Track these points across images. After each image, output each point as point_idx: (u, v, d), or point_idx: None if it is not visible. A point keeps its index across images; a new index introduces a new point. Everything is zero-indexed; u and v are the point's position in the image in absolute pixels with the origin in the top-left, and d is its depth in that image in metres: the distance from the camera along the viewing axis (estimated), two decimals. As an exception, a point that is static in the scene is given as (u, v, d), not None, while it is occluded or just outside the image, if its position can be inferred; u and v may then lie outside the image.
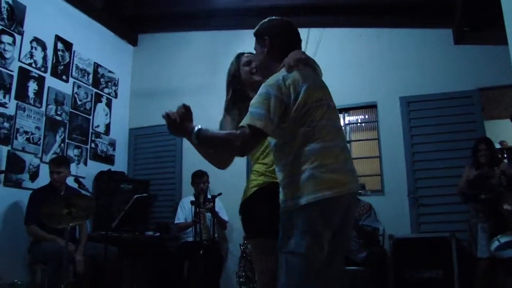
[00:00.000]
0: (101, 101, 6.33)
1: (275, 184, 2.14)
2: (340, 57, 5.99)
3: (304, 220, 1.94)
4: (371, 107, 5.87)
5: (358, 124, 6.17)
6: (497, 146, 6.91)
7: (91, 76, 6.15)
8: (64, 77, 5.65)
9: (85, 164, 5.87)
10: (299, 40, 2.48)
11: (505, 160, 6.28)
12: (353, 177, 2.07)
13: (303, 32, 6.27)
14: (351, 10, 5.88)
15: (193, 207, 4.97)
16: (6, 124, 4.77)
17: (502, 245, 4.03)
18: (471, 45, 5.45)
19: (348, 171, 2.05)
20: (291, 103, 2.07)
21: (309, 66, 2.34)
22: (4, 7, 4.87)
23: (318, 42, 6.00)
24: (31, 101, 5.11)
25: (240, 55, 2.73)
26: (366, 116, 6.07)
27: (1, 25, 4.82)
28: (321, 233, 1.94)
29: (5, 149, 4.73)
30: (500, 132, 7.89)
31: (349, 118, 6.03)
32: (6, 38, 4.86)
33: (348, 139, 5.90)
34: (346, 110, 5.97)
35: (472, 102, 5.32)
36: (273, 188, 2.16)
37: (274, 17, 2.51)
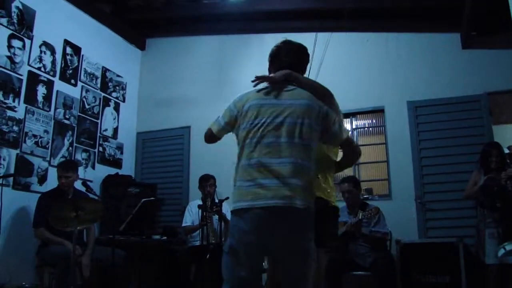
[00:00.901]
0: (109, 105, 6.36)
1: None
2: (348, 61, 5.99)
3: (230, 224, 2.31)
4: (378, 112, 5.85)
5: (366, 128, 6.15)
6: (506, 151, 6.85)
7: (99, 80, 6.19)
8: (72, 81, 5.69)
9: (93, 167, 5.90)
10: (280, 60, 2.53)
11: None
12: (275, 192, 2.13)
13: (310, 36, 6.31)
14: (359, 15, 5.88)
15: (200, 210, 4.97)
16: (15, 128, 4.81)
17: (508, 253, 4.00)
18: (479, 49, 5.42)
19: (268, 186, 2.15)
20: (236, 118, 2.36)
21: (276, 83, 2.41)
22: (14, 12, 4.92)
23: (326, 47, 6.00)
24: (40, 105, 5.16)
25: None
26: (374, 121, 6.05)
27: (11, 29, 4.87)
28: (235, 237, 2.20)
29: (14, 152, 4.77)
30: (508, 137, 7.83)
31: (356, 123, 6.02)
32: (16, 43, 4.91)
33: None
34: (354, 114, 5.96)
35: (480, 106, 5.29)
36: None
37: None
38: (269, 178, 2.16)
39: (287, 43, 2.57)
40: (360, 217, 4.44)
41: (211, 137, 2.51)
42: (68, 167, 4.62)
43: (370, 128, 6.16)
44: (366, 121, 6.13)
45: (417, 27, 5.80)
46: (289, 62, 2.48)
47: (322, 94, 2.42)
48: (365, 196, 5.36)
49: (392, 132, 5.63)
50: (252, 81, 2.43)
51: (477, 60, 5.40)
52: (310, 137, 2.26)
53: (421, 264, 4.46)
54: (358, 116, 6.02)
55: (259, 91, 2.39)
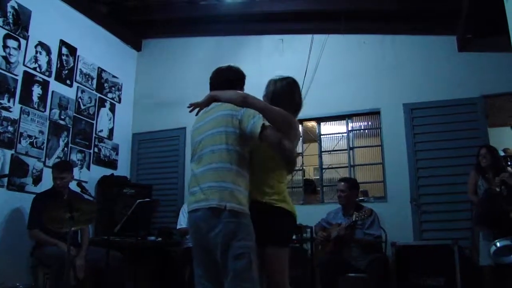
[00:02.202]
0: (104, 106, 6.34)
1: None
2: (344, 63, 5.99)
3: None
4: (374, 114, 5.86)
5: (362, 130, 6.16)
6: (501, 153, 6.88)
7: (95, 81, 6.17)
8: (68, 81, 5.68)
9: (88, 168, 5.88)
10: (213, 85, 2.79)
11: (509, 168, 6.26)
12: (195, 198, 2.46)
13: (307, 38, 6.32)
14: (355, 17, 5.89)
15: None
16: (10, 128, 4.78)
17: (500, 249, 4.00)
18: (476, 52, 5.44)
19: (192, 195, 2.51)
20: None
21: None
22: (10, 12, 4.90)
23: (322, 49, 6.02)
24: (35, 105, 5.14)
25: None
26: (370, 123, 6.06)
27: (7, 29, 4.85)
28: (190, 238, 2.62)
29: (8, 153, 4.75)
30: (504, 140, 7.87)
31: (352, 125, 6.02)
32: (11, 43, 4.89)
33: (351, 145, 5.91)
34: (350, 116, 5.97)
35: (476, 109, 5.30)
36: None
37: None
38: (195, 187, 2.49)
39: (216, 69, 2.83)
40: (354, 219, 4.44)
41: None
42: (63, 168, 4.61)
43: (366, 130, 6.16)
44: (362, 123, 6.13)
45: (414, 29, 5.81)
46: (218, 83, 2.75)
47: (234, 100, 2.53)
48: (360, 198, 5.36)
49: (388, 134, 5.64)
50: (187, 107, 2.76)
51: (473, 63, 5.42)
52: (228, 141, 2.44)
53: (417, 266, 4.47)
54: (354, 118, 6.02)
55: (197, 116, 2.76)
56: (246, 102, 2.49)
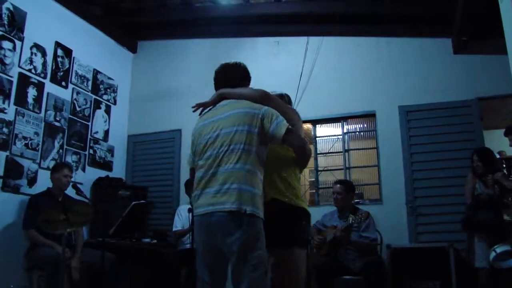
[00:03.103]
0: (100, 108, 6.33)
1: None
2: (339, 65, 6.00)
3: None
4: (370, 116, 5.86)
5: (357, 133, 6.17)
6: (497, 156, 6.89)
7: (90, 83, 6.16)
8: (63, 83, 5.66)
9: (83, 170, 5.85)
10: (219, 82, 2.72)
11: (504, 171, 6.27)
12: (208, 201, 2.33)
13: (302, 40, 6.32)
14: (350, 19, 5.91)
15: (190, 214, 4.95)
16: (5, 130, 4.76)
17: (499, 255, 4.02)
18: (470, 55, 5.46)
19: (204, 196, 2.38)
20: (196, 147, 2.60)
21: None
22: (5, 13, 4.88)
23: (317, 51, 6.03)
24: (30, 107, 5.12)
25: None
26: (365, 125, 6.06)
27: (2, 31, 4.83)
28: (197, 241, 2.49)
29: (3, 154, 4.72)
30: (499, 142, 7.89)
31: (347, 127, 6.02)
32: (6, 44, 4.87)
33: (346, 147, 5.91)
34: (345, 118, 5.98)
35: (471, 111, 5.32)
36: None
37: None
38: (207, 187, 2.37)
39: (223, 65, 2.75)
40: (350, 222, 4.43)
41: (191, 171, 2.70)
42: (71, 168, 4.83)
43: (362, 133, 6.17)
44: (357, 126, 6.14)
45: (409, 31, 5.83)
46: (226, 81, 2.66)
47: (253, 97, 2.49)
48: (355, 201, 5.36)
49: (383, 136, 5.65)
50: (192, 107, 2.68)
51: (468, 65, 5.44)
52: (247, 141, 2.35)
53: (412, 268, 4.48)
54: (349, 120, 6.02)
55: (201, 116, 2.66)
56: (268, 98, 2.46)
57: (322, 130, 6.19)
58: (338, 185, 4.80)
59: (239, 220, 2.23)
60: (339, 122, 6.02)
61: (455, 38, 5.40)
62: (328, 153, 6.08)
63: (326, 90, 5.94)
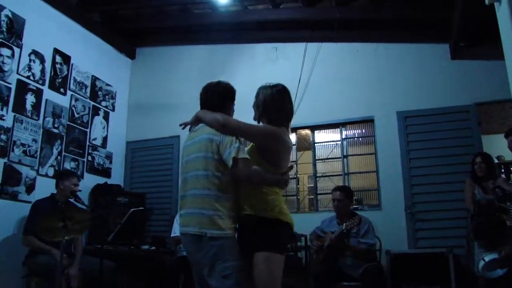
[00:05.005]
0: (98, 114, 6.33)
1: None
2: (337, 71, 6.02)
3: None
4: (368, 122, 5.87)
5: (355, 138, 6.17)
6: (495, 161, 6.90)
7: (88, 89, 6.16)
8: (61, 90, 5.66)
9: (82, 177, 5.84)
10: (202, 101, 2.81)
11: (503, 175, 6.28)
12: (182, 222, 2.58)
13: (300, 46, 6.34)
14: (348, 25, 5.92)
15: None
16: (3, 136, 4.76)
17: (488, 264, 3.99)
18: (468, 60, 5.49)
19: (181, 215, 2.63)
20: None
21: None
22: (4, 20, 4.89)
23: (316, 57, 6.04)
24: (29, 114, 5.12)
25: None
26: (363, 131, 6.07)
27: (0, 38, 4.84)
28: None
29: (1, 161, 4.72)
30: (497, 147, 7.90)
31: (346, 133, 6.03)
32: (5, 51, 4.88)
33: (345, 153, 5.92)
34: (343, 124, 5.98)
35: (469, 117, 5.33)
36: None
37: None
38: (181, 209, 2.63)
39: (206, 85, 2.81)
40: (343, 228, 4.41)
41: None
42: (78, 176, 4.82)
43: (360, 138, 6.18)
44: (355, 131, 6.15)
45: (407, 37, 5.85)
46: (207, 99, 2.76)
47: (214, 125, 2.58)
48: (354, 206, 5.35)
49: (381, 142, 5.65)
50: (180, 126, 2.83)
51: (466, 71, 5.46)
52: (209, 167, 2.50)
53: (411, 274, 4.47)
54: (348, 126, 6.03)
55: (189, 132, 2.80)
56: (225, 128, 2.54)
57: (321, 136, 6.19)
58: (338, 192, 4.78)
59: (202, 242, 2.44)
60: (337, 128, 6.02)
61: (453, 43, 5.42)
62: (327, 159, 6.08)
63: (324, 96, 5.95)
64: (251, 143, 2.71)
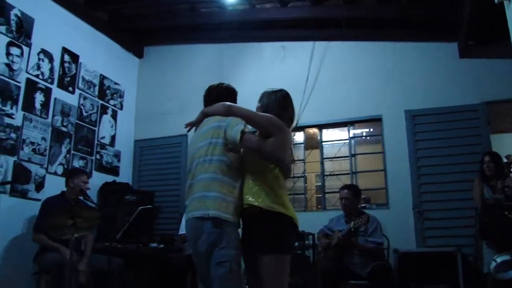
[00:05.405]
0: (106, 113, 6.36)
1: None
2: (345, 70, 6.01)
3: None
4: (376, 121, 5.86)
5: (363, 137, 6.16)
6: (504, 160, 6.86)
7: (97, 88, 6.19)
8: (70, 88, 5.70)
9: (90, 175, 5.86)
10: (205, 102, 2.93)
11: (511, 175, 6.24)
12: (192, 206, 2.57)
13: (308, 45, 6.33)
14: (356, 24, 5.91)
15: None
16: (13, 135, 4.80)
17: (500, 265, 3.97)
18: (477, 59, 5.45)
19: (186, 205, 2.65)
20: None
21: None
22: (13, 20, 4.93)
23: (324, 56, 6.04)
24: (38, 112, 5.15)
25: None
26: (371, 130, 6.06)
27: (10, 37, 4.88)
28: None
29: (11, 159, 4.76)
30: (506, 146, 7.85)
31: (354, 132, 6.02)
32: (14, 50, 4.92)
33: (352, 152, 5.91)
34: (351, 123, 5.97)
35: (478, 115, 5.31)
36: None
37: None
38: (186, 200, 2.66)
39: (208, 87, 2.96)
40: (351, 226, 4.42)
41: None
42: (88, 175, 4.92)
43: (368, 137, 6.17)
44: (363, 130, 6.14)
45: (415, 36, 5.83)
46: (210, 100, 2.86)
47: (221, 112, 2.68)
48: (362, 205, 5.34)
49: (389, 141, 5.64)
50: (185, 127, 2.90)
51: (475, 70, 5.43)
52: (215, 152, 2.56)
53: (419, 273, 4.44)
54: (356, 125, 6.02)
55: (195, 132, 2.88)
56: (231, 111, 2.63)
57: (329, 135, 6.19)
58: (346, 190, 4.78)
59: (204, 224, 2.45)
60: (345, 126, 6.01)
61: (462, 42, 5.40)
62: (335, 157, 6.07)
63: (332, 95, 5.94)
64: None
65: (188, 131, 2.87)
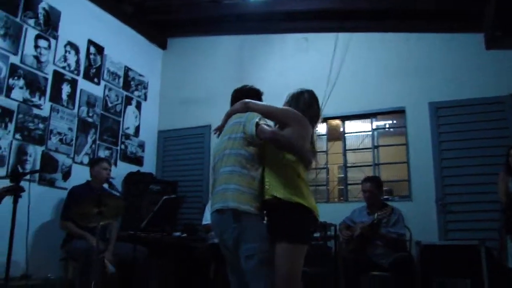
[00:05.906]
0: (131, 104, 6.45)
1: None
2: (369, 61, 5.96)
3: None
4: (399, 112, 5.81)
5: (386, 129, 6.12)
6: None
7: (121, 79, 6.28)
8: (95, 80, 5.79)
9: (115, 165, 5.98)
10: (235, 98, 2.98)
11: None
12: (215, 199, 2.64)
13: (331, 37, 6.29)
14: (380, 15, 5.86)
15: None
16: (40, 125, 4.92)
17: None
18: (504, 50, 5.34)
19: (214, 195, 2.69)
20: None
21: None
22: (41, 13, 5.03)
23: (347, 47, 6.00)
24: (64, 103, 5.27)
25: None
26: (394, 121, 6.01)
27: (38, 30, 4.99)
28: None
29: (39, 149, 4.89)
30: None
31: (377, 123, 5.98)
32: (42, 43, 5.02)
33: (375, 144, 5.87)
34: (374, 115, 5.93)
35: (504, 108, 5.20)
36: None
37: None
38: (213, 191, 2.70)
39: (234, 90, 3.07)
40: (375, 218, 4.41)
41: None
42: (110, 162, 5.05)
43: (391, 129, 6.13)
44: (386, 122, 6.10)
45: (439, 27, 5.74)
46: (233, 102, 2.95)
47: (239, 109, 2.78)
48: (385, 197, 5.32)
49: (413, 133, 5.59)
50: (213, 133, 3.00)
51: (502, 61, 5.32)
52: (235, 146, 2.64)
53: (442, 266, 4.42)
54: (379, 116, 5.98)
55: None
56: (247, 106, 2.73)
57: (351, 126, 6.17)
58: (368, 183, 4.76)
59: (226, 217, 2.52)
60: (368, 118, 5.98)
61: (488, 33, 5.30)
62: (357, 149, 6.05)
63: (355, 86, 5.91)
64: None
65: (218, 136, 2.91)
